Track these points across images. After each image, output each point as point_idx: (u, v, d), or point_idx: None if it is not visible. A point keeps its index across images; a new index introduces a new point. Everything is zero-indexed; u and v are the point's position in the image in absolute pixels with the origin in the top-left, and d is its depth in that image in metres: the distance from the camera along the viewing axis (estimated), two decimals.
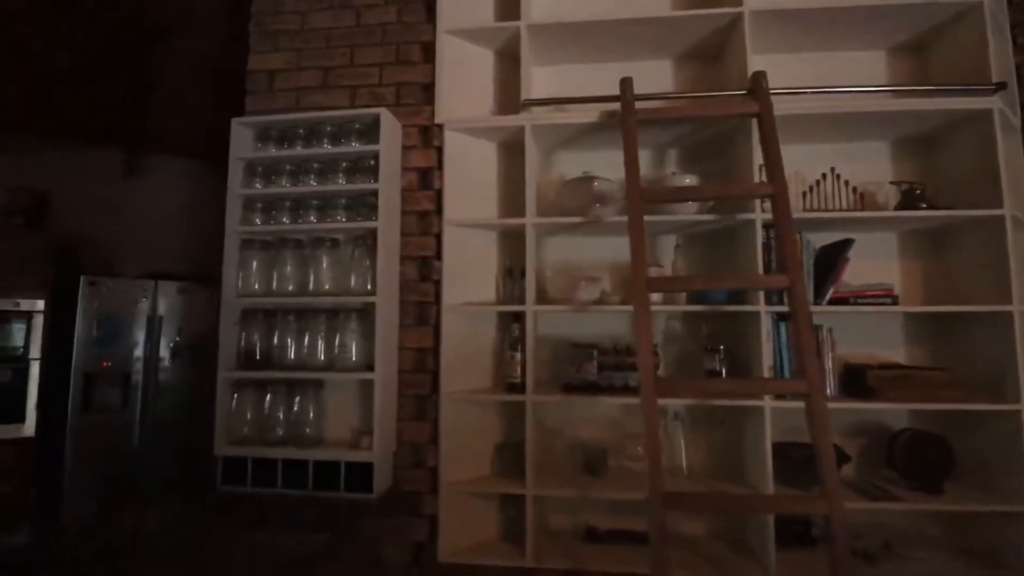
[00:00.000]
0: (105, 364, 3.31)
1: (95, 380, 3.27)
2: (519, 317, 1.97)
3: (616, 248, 2.04)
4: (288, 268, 1.92)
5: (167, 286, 3.59)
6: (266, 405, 1.83)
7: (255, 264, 1.94)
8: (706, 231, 2.08)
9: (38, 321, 3.22)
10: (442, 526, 1.86)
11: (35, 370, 3.18)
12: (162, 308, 3.54)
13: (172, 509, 1.92)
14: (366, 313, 1.90)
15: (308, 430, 1.83)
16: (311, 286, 1.90)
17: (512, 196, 2.14)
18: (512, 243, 2.15)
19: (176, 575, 1.34)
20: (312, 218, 1.95)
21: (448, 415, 1.92)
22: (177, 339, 3.56)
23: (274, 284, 1.92)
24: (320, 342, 1.87)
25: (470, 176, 2.09)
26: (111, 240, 3.97)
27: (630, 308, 1.79)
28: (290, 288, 1.91)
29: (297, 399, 1.83)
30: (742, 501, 1.75)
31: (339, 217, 1.93)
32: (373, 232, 1.87)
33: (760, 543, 1.76)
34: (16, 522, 3.04)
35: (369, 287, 1.88)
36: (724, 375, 1.92)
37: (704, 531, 2.01)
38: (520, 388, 1.91)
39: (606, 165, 2.01)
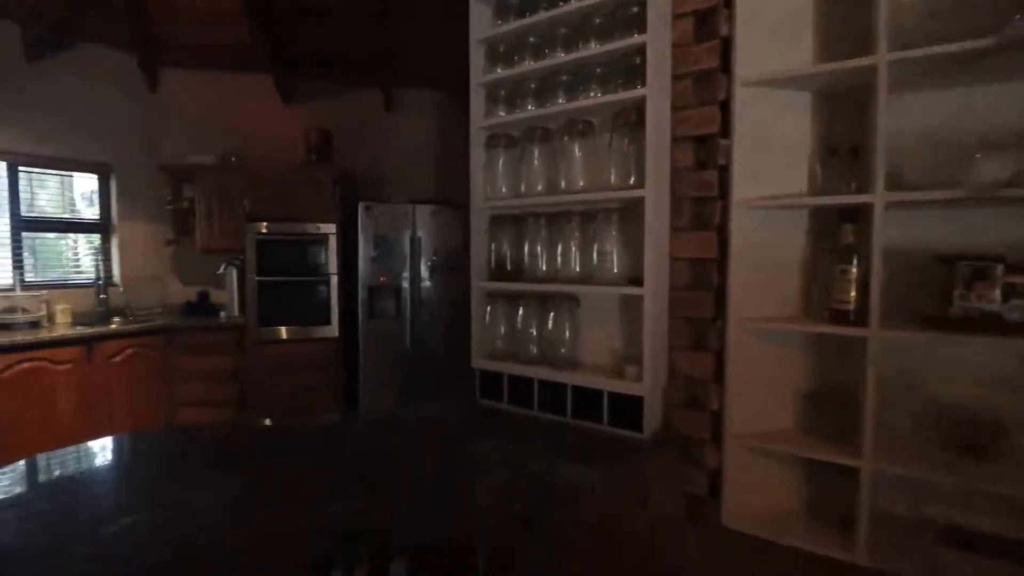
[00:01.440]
0: (382, 280, 3.77)
1: (375, 293, 3.77)
2: (852, 215, 1.33)
3: None
4: (536, 164, 1.64)
5: (423, 209, 3.86)
6: (518, 320, 1.65)
7: (501, 164, 1.71)
8: None
9: (332, 243, 3.79)
10: (727, 484, 1.46)
11: (334, 283, 3.80)
12: (420, 230, 3.83)
13: (438, 412, 1.95)
14: (629, 214, 1.51)
15: (563, 350, 1.60)
16: (562, 184, 1.59)
17: (837, 30, 1.43)
18: (838, 108, 1.46)
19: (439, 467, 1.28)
20: (560, 99, 1.60)
21: (737, 348, 1.45)
22: (434, 257, 3.86)
23: (522, 186, 1.67)
24: (574, 250, 1.58)
25: (770, 10, 1.44)
26: (379, 169, 4.45)
27: None
28: (539, 188, 1.64)
29: (551, 315, 1.59)
30: None
31: (593, 93, 1.54)
32: (638, 105, 1.43)
33: None
34: (333, 403, 3.79)
35: (633, 180, 1.47)
36: None
37: None
38: (855, 319, 1.31)
39: None
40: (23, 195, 3.48)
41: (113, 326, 3.44)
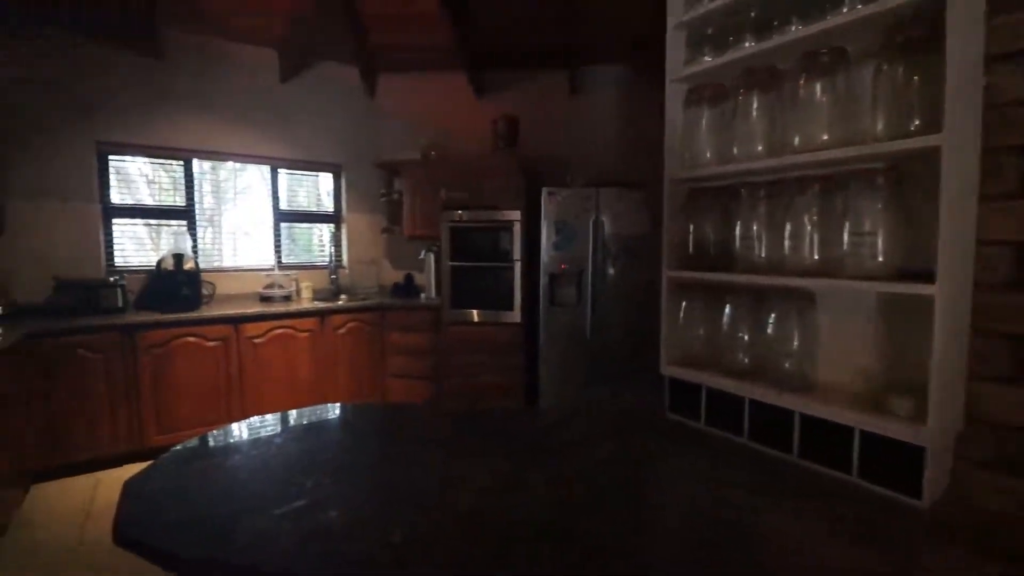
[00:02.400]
0: (563, 266, 3.65)
1: (556, 279, 3.67)
2: None
3: None
4: (754, 118, 1.25)
5: (607, 193, 3.60)
6: (724, 320, 1.30)
7: (705, 123, 1.36)
8: None
9: (517, 229, 3.80)
10: None
11: (518, 270, 3.81)
12: (604, 214, 3.59)
13: (623, 418, 1.71)
14: (905, 176, 1.04)
15: (788, 364, 1.20)
16: (795, 141, 1.18)
17: None
18: None
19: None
20: (794, 26, 1.19)
21: None
22: (617, 243, 3.59)
23: (734, 148, 1.30)
24: (808, 230, 1.16)
25: None
26: (563, 154, 4.33)
27: None
28: (759, 149, 1.25)
29: (772, 316, 1.21)
30: None
31: (845, 8, 1.09)
32: (925, 12, 0.95)
33: None
34: (514, 386, 3.84)
35: (916, 124, 1.00)
36: None
37: None
38: None
39: None
40: (283, 192, 4.27)
41: (340, 302, 4.01)
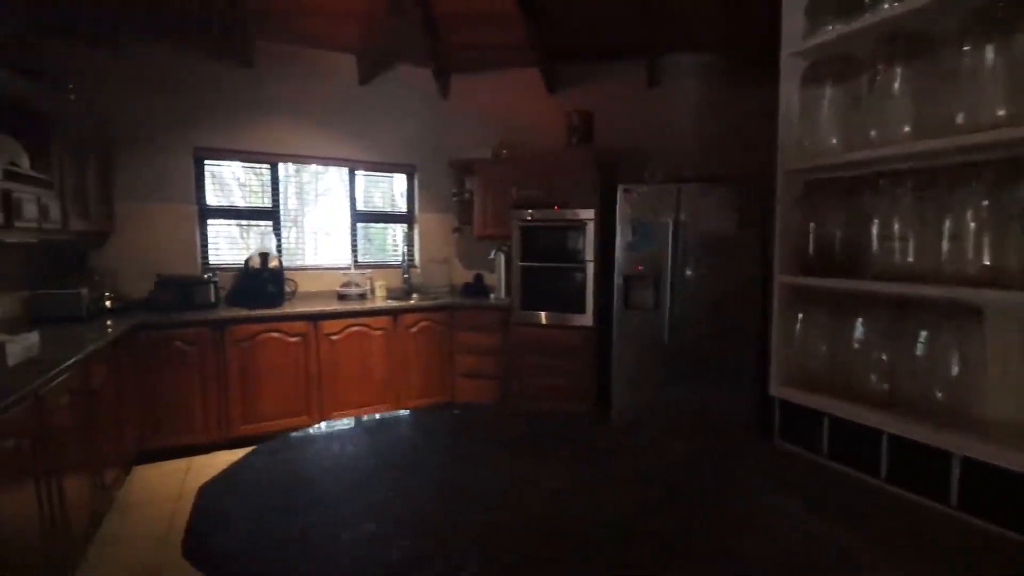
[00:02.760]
0: (638, 268, 3.45)
1: (632, 281, 3.48)
2: None
3: None
4: (896, 95, 1.04)
5: (689, 189, 3.36)
6: (855, 336, 1.09)
7: (827, 104, 1.16)
8: None
9: (590, 228, 3.65)
10: None
11: (590, 271, 3.66)
12: (684, 212, 3.36)
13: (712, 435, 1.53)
14: None
15: (940, 394, 0.98)
16: (959, 119, 0.96)
17: None
18: None
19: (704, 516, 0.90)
20: None
21: None
22: (699, 243, 3.33)
23: (870, 132, 1.09)
24: (972, 230, 0.94)
25: None
26: (641, 149, 4.11)
27: None
28: (904, 131, 1.04)
29: (922, 334, 0.99)
30: None
31: None
32: None
33: None
34: (584, 392, 3.69)
35: None
36: None
37: None
38: None
39: None
40: (359, 193, 4.38)
41: (412, 301, 4.05)
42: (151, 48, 3.47)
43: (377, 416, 1.60)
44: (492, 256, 4.17)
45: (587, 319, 3.68)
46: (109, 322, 2.91)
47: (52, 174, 2.46)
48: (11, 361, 1.97)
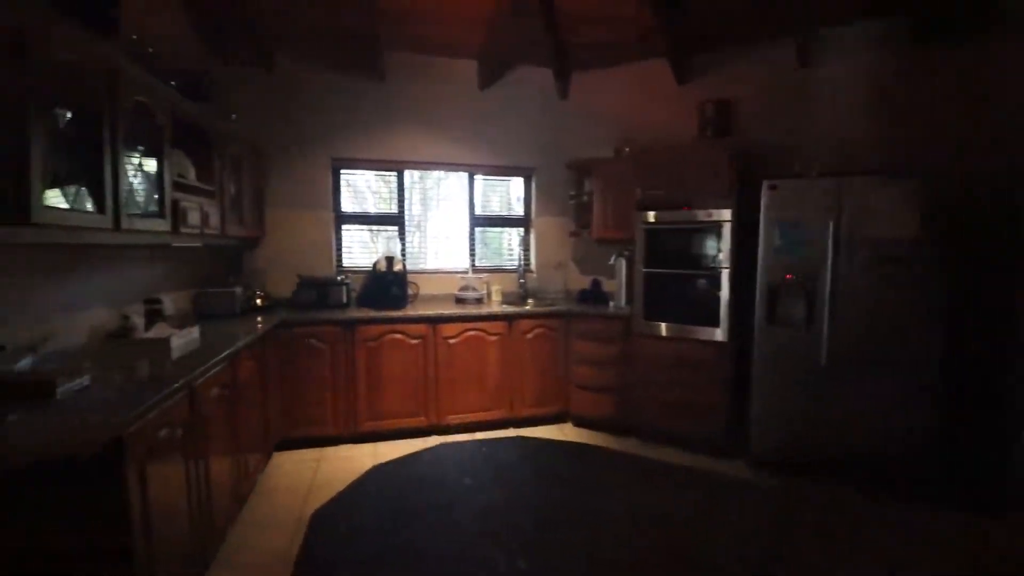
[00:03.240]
0: (788, 276, 2.98)
1: (779, 292, 3.01)
2: None
3: None
4: None
5: (856, 184, 2.82)
6: None
7: None
8: None
9: (726, 231, 3.24)
10: None
11: (725, 278, 3.25)
12: (848, 211, 2.82)
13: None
14: None
15: None
16: None
17: None
18: None
19: None
20: None
21: None
22: (868, 248, 2.77)
23: None
24: None
25: None
26: (790, 138, 3.58)
27: None
28: None
29: None
30: None
31: None
32: None
33: None
34: (715, 417, 3.28)
35: None
36: None
37: None
38: None
39: None
40: (478, 198, 4.40)
41: (527, 307, 3.96)
42: (297, 66, 3.79)
43: (482, 439, 1.46)
44: (612, 261, 3.92)
45: (720, 333, 3.27)
46: (259, 319, 3.20)
47: (214, 184, 2.74)
48: (175, 354, 2.19)
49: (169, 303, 2.63)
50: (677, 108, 3.93)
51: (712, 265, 3.32)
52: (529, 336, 3.76)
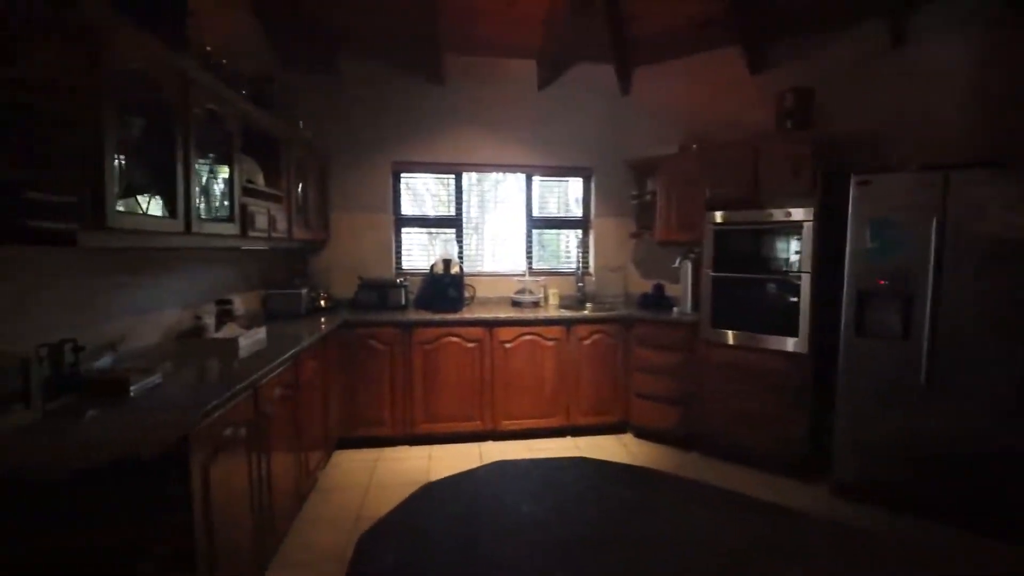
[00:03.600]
0: (880, 283, 2.67)
1: (869, 299, 2.71)
2: None
3: None
4: None
5: (964, 178, 2.48)
6: None
7: None
8: None
9: (807, 231, 2.96)
10: None
11: (806, 284, 2.97)
12: (955, 208, 2.49)
13: None
14: None
15: None
16: None
17: None
18: None
19: None
20: None
21: None
22: (978, 250, 2.43)
23: None
24: None
25: None
26: (884, 127, 3.23)
27: None
28: None
29: None
30: None
31: None
32: None
33: None
34: (790, 437, 3.01)
35: None
36: None
37: None
38: None
39: None
40: (535, 199, 4.32)
41: (586, 311, 3.83)
42: (360, 71, 3.87)
43: (541, 459, 1.36)
44: (676, 264, 3.72)
45: (799, 344, 2.99)
46: (323, 319, 3.28)
47: (282, 189, 2.83)
48: (242, 354, 2.26)
49: (240, 304, 2.74)
50: (750, 100, 3.66)
51: (788, 269, 3.05)
52: (587, 342, 3.63)
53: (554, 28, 3.65)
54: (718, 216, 3.28)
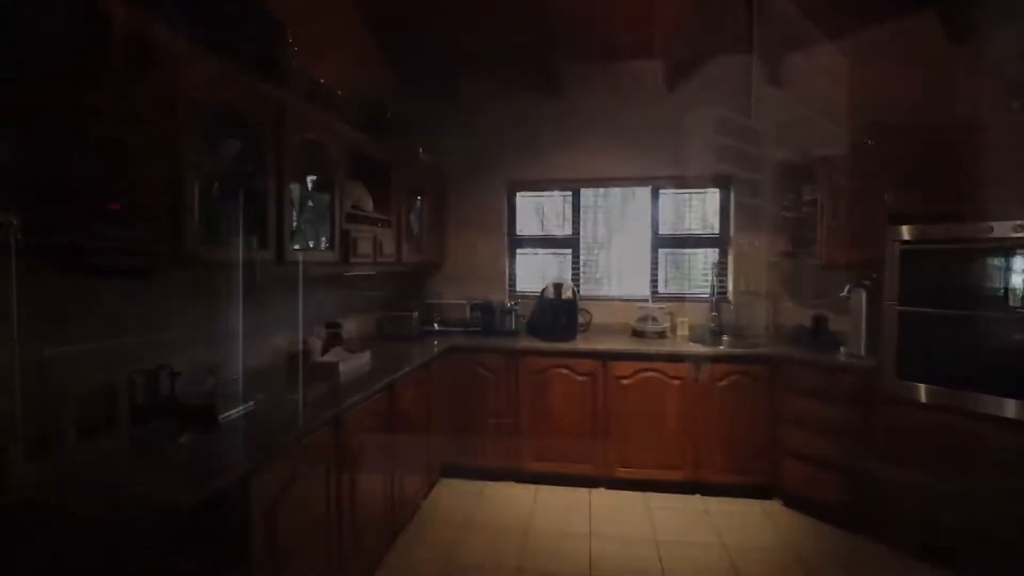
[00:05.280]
0: None
1: None
2: None
3: None
4: None
5: None
6: None
7: None
8: None
9: None
10: None
11: None
12: None
13: None
14: None
15: None
16: None
17: None
18: None
19: None
20: None
21: None
22: None
23: None
24: None
25: None
26: None
27: None
28: None
29: None
30: None
31: None
32: None
33: None
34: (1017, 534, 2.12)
35: None
36: None
37: None
38: None
39: None
40: (663, 215, 3.86)
41: (722, 347, 3.26)
42: (476, 91, 3.83)
43: None
44: (845, 293, 2.96)
45: None
46: (435, 342, 3.23)
47: (391, 214, 2.83)
48: (343, 379, 2.24)
49: (352, 326, 2.78)
50: (950, 79, 2.82)
51: (1018, 304, 2.20)
52: (723, 383, 3.06)
53: (684, 20, 3.21)
54: (906, 232, 2.52)
